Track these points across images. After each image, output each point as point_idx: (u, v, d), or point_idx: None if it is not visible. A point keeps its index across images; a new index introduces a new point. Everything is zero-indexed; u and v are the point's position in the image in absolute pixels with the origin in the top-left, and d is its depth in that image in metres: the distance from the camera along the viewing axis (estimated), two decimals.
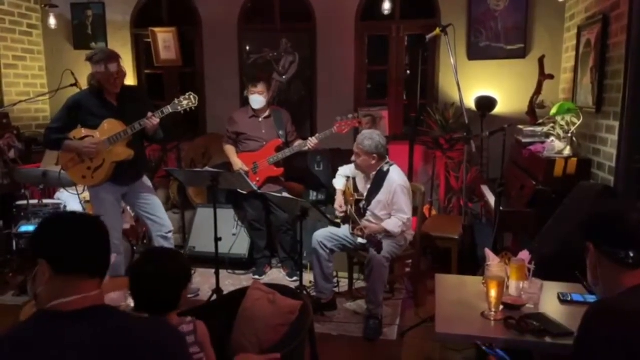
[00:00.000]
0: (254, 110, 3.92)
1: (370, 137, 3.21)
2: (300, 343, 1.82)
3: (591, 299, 1.97)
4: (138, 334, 1.14)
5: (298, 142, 3.88)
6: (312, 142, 3.77)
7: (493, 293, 1.82)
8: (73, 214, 1.29)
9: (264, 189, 3.83)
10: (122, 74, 3.16)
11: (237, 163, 3.91)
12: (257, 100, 3.85)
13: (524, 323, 1.73)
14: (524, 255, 2.05)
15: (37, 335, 1.11)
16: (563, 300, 2.00)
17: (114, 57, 3.11)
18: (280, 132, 3.91)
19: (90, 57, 3.11)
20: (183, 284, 1.63)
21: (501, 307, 1.86)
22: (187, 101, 3.18)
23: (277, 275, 4.15)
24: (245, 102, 5.01)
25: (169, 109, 3.16)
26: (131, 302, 1.88)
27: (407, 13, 4.84)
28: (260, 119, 3.94)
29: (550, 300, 2.01)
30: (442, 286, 2.21)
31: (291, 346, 1.77)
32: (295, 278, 4.03)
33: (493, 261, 2.02)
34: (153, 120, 3.09)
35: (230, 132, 4.00)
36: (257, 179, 3.87)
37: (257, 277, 4.08)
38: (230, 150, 4.01)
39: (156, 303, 1.57)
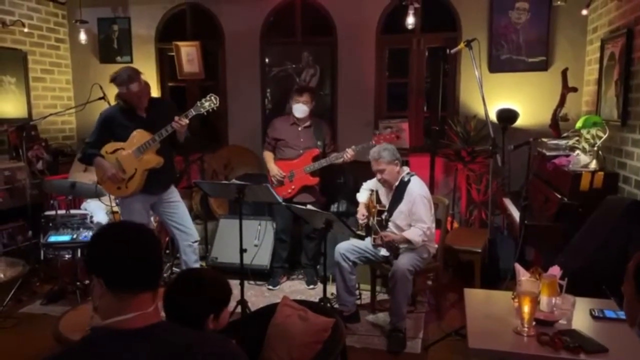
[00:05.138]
0: (295, 118, 3.99)
1: (385, 148, 3.29)
2: None
3: (624, 315, 1.95)
4: (205, 351, 1.15)
5: (334, 154, 3.92)
6: (348, 153, 3.81)
7: (526, 309, 1.81)
8: (121, 227, 1.26)
9: (298, 197, 3.89)
10: (144, 91, 3.23)
11: (274, 169, 3.98)
12: (301, 109, 3.94)
13: (558, 339, 1.73)
14: (555, 270, 2.05)
15: (99, 355, 1.10)
16: (595, 316, 1.99)
17: (133, 78, 3.14)
18: (319, 142, 3.98)
19: (113, 78, 3.18)
20: (217, 307, 1.64)
21: (533, 323, 1.86)
22: (208, 102, 3.21)
23: (298, 286, 4.17)
24: (269, 113, 5.14)
25: (192, 112, 3.22)
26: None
27: (428, 26, 4.87)
28: (300, 128, 4.01)
29: (582, 317, 2.00)
30: (470, 300, 2.20)
31: None
32: (312, 286, 4.07)
33: (524, 276, 2.01)
34: (181, 121, 3.15)
35: (270, 137, 4.08)
36: (293, 187, 3.93)
37: (271, 287, 4.10)
38: (268, 156, 4.09)
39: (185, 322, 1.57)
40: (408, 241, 3.16)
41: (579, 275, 2.41)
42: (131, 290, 1.16)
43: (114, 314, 1.15)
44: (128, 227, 1.25)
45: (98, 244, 1.23)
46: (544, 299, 1.96)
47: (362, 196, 3.56)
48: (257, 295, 3.94)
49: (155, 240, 1.25)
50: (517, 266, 2.12)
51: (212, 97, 3.22)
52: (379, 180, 3.37)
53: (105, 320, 1.15)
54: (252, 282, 4.16)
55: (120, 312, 1.14)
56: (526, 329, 1.84)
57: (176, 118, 3.16)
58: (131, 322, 1.14)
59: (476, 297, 2.32)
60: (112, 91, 4.35)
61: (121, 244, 1.19)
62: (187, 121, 3.18)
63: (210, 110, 3.22)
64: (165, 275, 3.98)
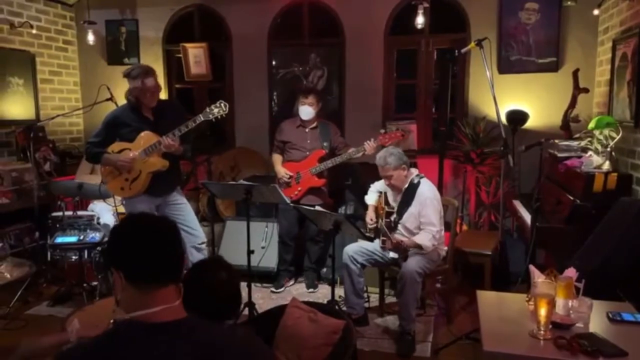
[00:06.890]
0: (301, 120, 3.97)
1: (391, 153, 3.24)
2: None
3: None
4: (234, 348, 1.12)
5: (352, 149, 3.82)
6: (369, 145, 3.70)
7: (542, 311, 1.77)
8: (143, 218, 1.23)
9: (305, 199, 3.86)
10: (158, 89, 3.23)
11: (280, 171, 3.97)
12: (307, 111, 3.92)
13: (576, 343, 1.68)
14: (571, 272, 2.00)
15: (126, 348, 1.06)
16: (612, 319, 1.94)
17: (151, 72, 3.17)
18: (325, 144, 3.95)
19: (128, 72, 3.16)
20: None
21: (550, 326, 1.81)
22: (217, 109, 3.19)
23: (304, 290, 4.13)
24: (276, 115, 5.12)
25: (200, 118, 3.20)
26: None
27: (437, 27, 4.84)
28: (307, 130, 4.00)
29: (599, 320, 1.95)
30: (483, 303, 2.16)
31: None
32: (311, 290, 4.05)
33: (539, 278, 1.97)
34: (166, 140, 3.13)
35: (278, 140, 4.08)
36: (299, 188, 3.91)
37: (274, 289, 4.07)
38: (276, 159, 4.08)
39: (214, 312, 1.51)
40: (418, 246, 3.12)
41: (592, 278, 2.37)
42: (153, 282, 1.13)
43: (139, 307, 1.12)
44: (149, 218, 1.23)
45: (119, 236, 1.21)
46: (560, 301, 1.92)
47: (371, 198, 3.52)
48: (264, 298, 3.91)
49: (177, 231, 1.22)
50: (532, 268, 2.08)
51: (222, 104, 3.19)
52: (387, 185, 3.34)
53: (128, 313, 1.13)
54: (258, 284, 4.13)
55: (145, 306, 1.11)
56: (542, 332, 1.79)
57: (162, 138, 3.14)
58: (157, 316, 1.11)
59: (489, 300, 2.28)
60: (119, 93, 4.37)
61: (142, 235, 1.17)
62: (170, 142, 3.13)
63: (219, 116, 3.20)
64: None
